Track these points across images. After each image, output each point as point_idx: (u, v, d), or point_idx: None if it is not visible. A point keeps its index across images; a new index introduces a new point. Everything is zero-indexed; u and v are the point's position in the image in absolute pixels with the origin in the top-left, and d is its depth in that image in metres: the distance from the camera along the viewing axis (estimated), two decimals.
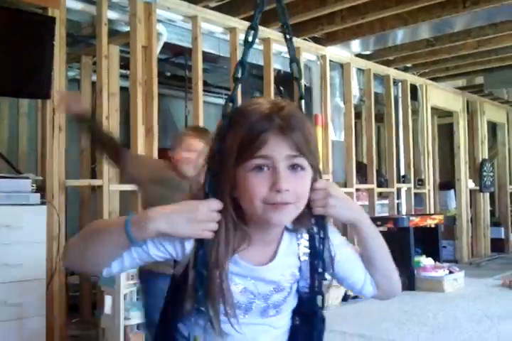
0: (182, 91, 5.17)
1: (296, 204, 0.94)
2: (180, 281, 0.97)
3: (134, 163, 2.42)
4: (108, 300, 2.95)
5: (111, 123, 3.79)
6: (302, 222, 1.01)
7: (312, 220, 1.02)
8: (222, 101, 5.82)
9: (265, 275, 1.00)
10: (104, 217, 3.48)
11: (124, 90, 4.19)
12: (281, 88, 5.33)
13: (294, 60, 1.06)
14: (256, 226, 0.98)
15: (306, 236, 1.05)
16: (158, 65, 3.93)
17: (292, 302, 1.06)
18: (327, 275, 1.06)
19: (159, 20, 4.01)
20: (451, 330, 3.75)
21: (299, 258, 1.04)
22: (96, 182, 3.59)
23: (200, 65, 4.12)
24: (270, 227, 0.99)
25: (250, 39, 1.00)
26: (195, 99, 4.11)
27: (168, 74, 5.19)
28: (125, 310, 2.88)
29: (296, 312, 1.07)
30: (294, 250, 1.04)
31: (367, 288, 1.11)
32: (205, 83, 4.45)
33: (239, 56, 4.31)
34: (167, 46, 4.23)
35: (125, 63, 4.10)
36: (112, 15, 3.81)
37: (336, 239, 1.06)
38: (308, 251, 1.04)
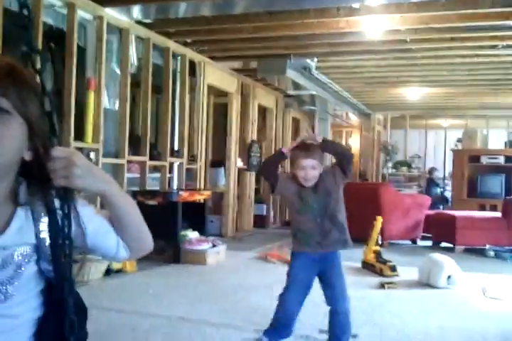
0: None
1: None
2: None
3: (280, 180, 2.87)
4: None
5: None
6: (35, 195, 0.92)
7: (53, 193, 0.89)
8: None
9: None
10: None
11: None
12: (52, 44, 4.86)
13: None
14: None
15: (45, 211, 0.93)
16: None
17: (29, 286, 0.93)
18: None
19: None
20: (208, 301, 3.86)
21: (36, 235, 0.92)
22: None
23: None
24: None
25: None
26: None
27: None
28: None
29: (45, 300, 0.96)
30: (30, 226, 0.92)
31: (121, 254, 1.06)
32: None
33: None
34: None
35: None
36: None
37: (84, 211, 0.96)
38: (47, 228, 0.92)
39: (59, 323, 0.89)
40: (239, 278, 4.80)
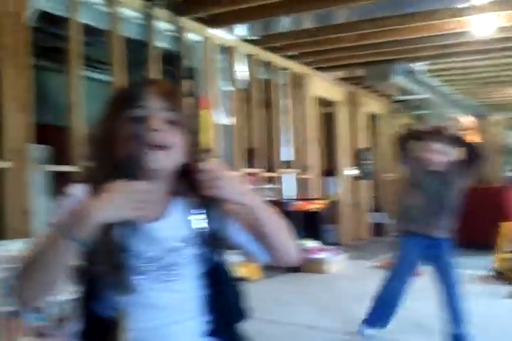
0: (62, 64, 4.81)
1: (170, 150, 1.03)
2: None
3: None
4: None
5: None
6: (190, 191, 1.06)
7: (205, 199, 1.04)
8: (107, 78, 5.53)
9: (154, 234, 1.04)
10: None
11: None
12: (169, 67, 5.17)
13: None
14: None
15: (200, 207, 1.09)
16: (31, 34, 3.63)
17: (191, 268, 1.07)
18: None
19: None
20: (332, 309, 3.85)
21: (192, 224, 1.08)
22: None
23: (77, 37, 3.88)
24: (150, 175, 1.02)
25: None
26: (71, 73, 3.87)
27: (45, 45, 4.80)
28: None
29: (209, 281, 1.09)
30: (186, 217, 1.08)
31: (261, 257, 1.14)
32: (88, 58, 4.21)
33: (119, 30, 4.16)
34: (43, 15, 3.92)
35: None
36: None
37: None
38: (203, 221, 1.08)
39: (223, 301, 1.09)
40: (361, 286, 4.73)
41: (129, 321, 1.00)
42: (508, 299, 4.20)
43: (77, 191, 1.05)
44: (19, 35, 3.52)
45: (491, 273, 5.04)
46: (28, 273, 0.96)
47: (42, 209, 3.97)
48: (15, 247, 2.83)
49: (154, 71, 4.54)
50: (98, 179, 1.01)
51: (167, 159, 1.03)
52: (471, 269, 5.42)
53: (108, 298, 1.00)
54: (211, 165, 1.00)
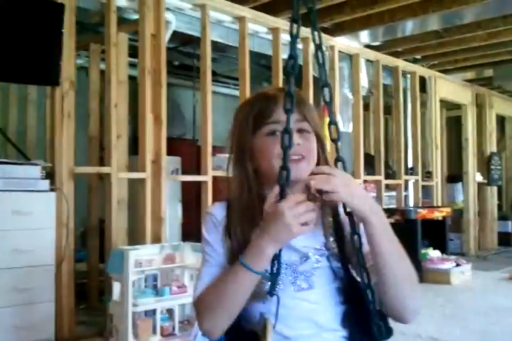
0: (190, 80, 5.15)
1: (308, 159, 1.09)
2: None
3: None
4: (116, 287, 2.95)
5: (119, 111, 3.79)
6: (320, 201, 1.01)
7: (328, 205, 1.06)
8: (230, 92, 5.80)
9: (290, 242, 1.03)
10: (112, 205, 3.48)
11: (132, 79, 4.18)
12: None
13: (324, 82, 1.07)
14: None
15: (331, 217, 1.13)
16: (166, 53, 3.91)
17: (325, 280, 1.08)
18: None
19: (168, 8, 4.00)
20: (458, 321, 3.75)
21: (325, 237, 1.10)
22: (104, 169, 3.59)
23: (209, 54, 4.10)
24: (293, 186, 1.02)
25: (295, 32, 1.04)
26: (203, 89, 4.09)
27: (177, 63, 5.16)
28: (133, 297, 2.89)
29: (345, 298, 1.09)
30: (320, 229, 1.10)
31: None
32: (213, 73, 4.43)
33: (247, 45, 4.33)
34: (176, 35, 4.21)
35: (134, 51, 4.09)
36: (120, 2, 3.80)
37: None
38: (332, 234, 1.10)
39: (359, 314, 1.04)
40: (489, 299, 4.54)
41: (270, 331, 1.01)
42: None
43: (217, 210, 1.12)
44: (157, 56, 3.80)
45: None
46: (212, 305, 1.02)
47: (174, 216, 4.27)
48: (151, 251, 3.09)
49: (277, 83, 4.66)
50: (240, 196, 1.09)
51: (307, 168, 1.05)
52: None
53: (251, 307, 1.04)
54: (323, 168, 0.99)
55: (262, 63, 5.14)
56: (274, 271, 0.97)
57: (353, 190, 0.95)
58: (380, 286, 0.99)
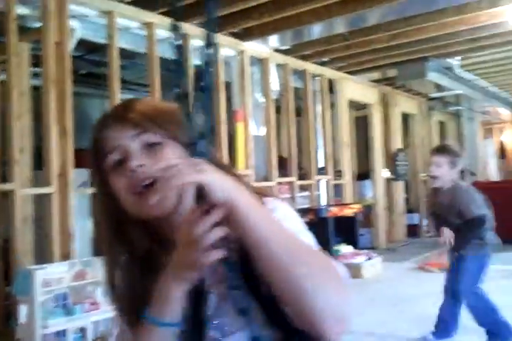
0: (99, 89, 5.02)
1: (166, 179, 0.72)
2: None
3: None
4: (23, 309, 2.86)
5: (22, 124, 3.65)
6: None
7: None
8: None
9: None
10: (16, 224, 3.32)
11: (36, 89, 4.02)
12: (202, 83, 5.29)
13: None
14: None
15: None
16: (72, 62, 3.81)
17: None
18: None
19: (73, 16, 3.88)
20: (369, 313, 3.94)
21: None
22: (6, 186, 3.43)
23: (117, 62, 4.04)
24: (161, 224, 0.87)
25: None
26: (112, 97, 4.02)
27: (84, 72, 5.02)
28: (42, 318, 2.81)
29: None
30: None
31: None
32: (122, 80, 4.36)
33: (156, 52, 4.29)
34: (82, 43, 4.10)
35: (37, 61, 3.94)
36: (21, 10, 3.64)
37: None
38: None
39: None
40: (398, 289, 4.80)
41: None
42: None
43: None
44: (62, 65, 3.69)
45: None
46: None
47: (84, 232, 4.17)
48: (60, 269, 3.02)
49: (188, 88, 4.65)
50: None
51: (169, 192, 0.78)
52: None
53: None
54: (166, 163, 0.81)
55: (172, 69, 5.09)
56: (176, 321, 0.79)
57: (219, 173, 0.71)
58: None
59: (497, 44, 6.38)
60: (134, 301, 0.88)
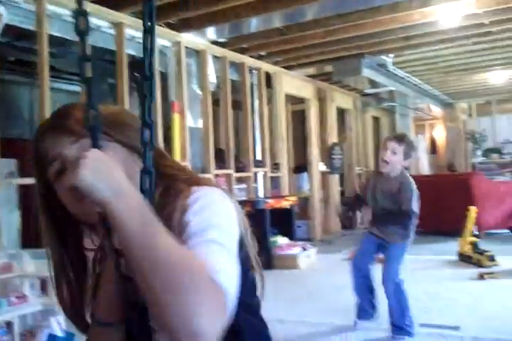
0: (29, 77, 4.85)
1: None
2: None
3: None
4: None
5: None
6: None
7: None
8: (73, 88, 5.57)
9: None
10: None
11: None
12: (136, 74, 5.22)
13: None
14: None
15: None
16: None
17: None
18: None
19: None
20: (304, 303, 4.01)
21: None
22: None
23: (46, 49, 3.91)
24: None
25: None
26: (41, 85, 3.89)
27: (12, 58, 4.83)
28: None
29: None
30: None
31: None
32: (53, 68, 4.23)
33: (88, 40, 4.19)
34: (10, 29, 3.94)
35: None
36: None
37: None
38: None
39: None
40: (333, 279, 4.91)
41: None
42: (476, 281, 4.39)
43: None
44: None
45: (457, 257, 5.27)
46: None
47: (10, 223, 4.03)
48: None
49: (123, 79, 4.59)
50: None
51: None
52: (440, 254, 5.68)
53: None
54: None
55: (106, 58, 5.00)
56: None
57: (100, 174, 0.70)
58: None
59: (428, 43, 6.62)
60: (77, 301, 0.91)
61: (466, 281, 4.35)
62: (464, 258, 5.13)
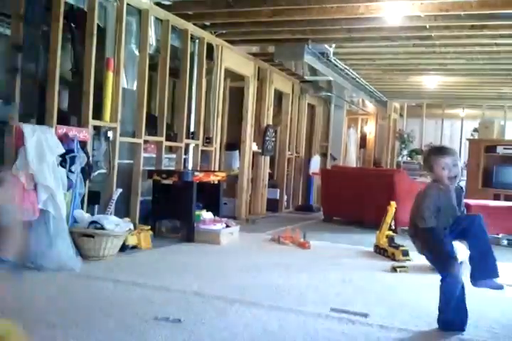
0: None
1: None
2: None
3: None
4: None
5: None
6: None
7: None
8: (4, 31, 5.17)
9: None
10: None
11: None
12: (73, 25, 4.92)
13: None
14: None
15: None
16: None
17: None
18: None
19: None
20: (221, 279, 3.95)
21: None
22: None
23: None
24: None
25: None
26: None
27: None
28: None
29: None
30: None
31: None
32: None
33: None
34: None
35: None
36: None
37: None
38: None
39: None
40: (252, 257, 4.89)
41: None
42: (389, 273, 4.49)
43: None
44: None
45: (373, 249, 5.40)
46: None
47: None
48: None
49: (57, 28, 4.31)
50: None
51: None
52: (358, 245, 5.80)
53: None
54: None
55: (42, 3, 4.65)
56: None
57: None
58: None
59: (370, 38, 6.69)
60: None
61: (379, 272, 4.46)
62: (380, 251, 5.26)
